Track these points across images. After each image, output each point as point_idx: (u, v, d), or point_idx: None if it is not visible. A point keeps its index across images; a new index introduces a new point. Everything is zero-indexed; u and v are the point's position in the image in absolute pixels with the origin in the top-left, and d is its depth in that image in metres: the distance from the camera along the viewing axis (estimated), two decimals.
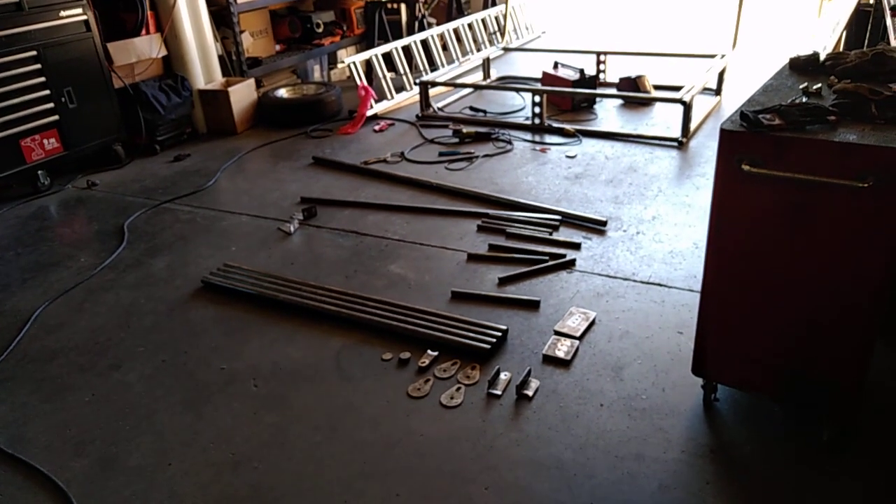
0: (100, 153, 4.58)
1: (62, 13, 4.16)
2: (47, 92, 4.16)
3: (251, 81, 5.35)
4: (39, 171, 4.23)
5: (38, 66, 4.09)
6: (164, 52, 4.91)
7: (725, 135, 1.84)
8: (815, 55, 2.28)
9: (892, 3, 3.55)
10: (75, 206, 4.09)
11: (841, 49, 4.30)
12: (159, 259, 3.37)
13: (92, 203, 4.11)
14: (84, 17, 4.29)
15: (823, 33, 4.70)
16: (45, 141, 4.19)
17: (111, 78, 4.53)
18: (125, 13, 4.72)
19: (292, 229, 3.57)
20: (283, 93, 5.48)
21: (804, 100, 1.95)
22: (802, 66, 2.29)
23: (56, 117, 4.23)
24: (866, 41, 4.00)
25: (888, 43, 3.32)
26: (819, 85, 2.06)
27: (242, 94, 5.21)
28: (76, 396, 2.44)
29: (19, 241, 3.65)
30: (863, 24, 4.11)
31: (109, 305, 3.00)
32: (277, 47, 6.11)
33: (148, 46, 4.79)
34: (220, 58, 5.34)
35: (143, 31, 4.76)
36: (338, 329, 2.72)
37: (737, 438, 2.09)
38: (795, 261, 1.85)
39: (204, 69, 5.16)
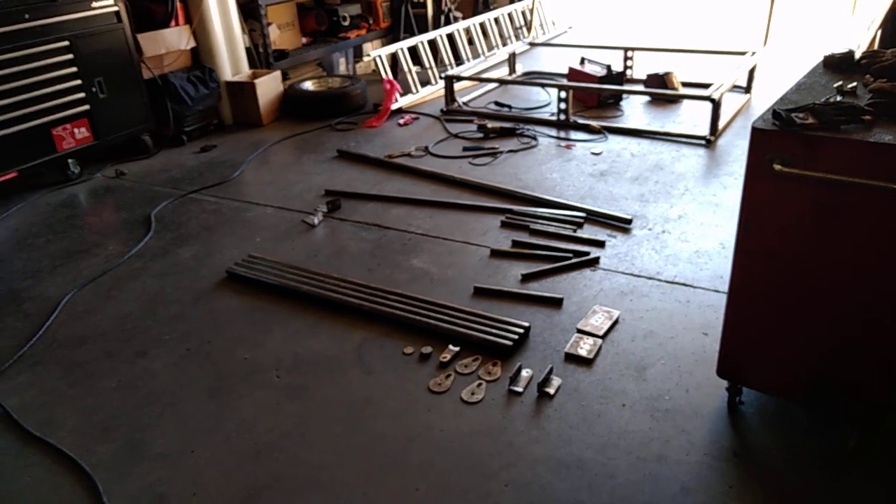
0: (128, 143, 4.64)
1: (94, 4, 4.22)
2: (78, 82, 4.22)
3: (277, 74, 5.39)
4: (70, 160, 4.30)
5: (70, 56, 4.15)
6: (192, 44, 4.96)
7: (757, 133, 1.81)
8: (851, 53, 2.23)
9: None
10: (104, 195, 4.15)
11: (876, 47, 4.20)
12: (185, 249, 3.41)
13: (120, 192, 4.17)
14: (115, 9, 4.34)
15: (858, 31, 4.60)
16: (76, 130, 4.26)
17: (141, 69, 4.58)
18: (155, 5, 4.77)
19: (316, 221, 3.59)
20: (308, 85, 5.50)
21: (839, 99, 1.91)
22: (837, 65, 2.24)
23: (87, 107, 4.29)
24: None
25: None
26: (854, 84, 2.02)
27: (269, 87, 5.24)
28: (103, 382, 2.48)
29: (50, 229, 3.72)
30: None
31: (136, 293, 3.05)
32: (304, 40, 6.14)
33: (177, 38, 4.84)
34: (248, 50, 5.38)
35: (173, 23, 4.81)
36: (360, 322, 2.73)
37: (761, 442, 2.06)
38: (826, 263, 1.81)
39: (231, 61, 5.20)
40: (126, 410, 2.34)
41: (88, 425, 2.28)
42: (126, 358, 2.61)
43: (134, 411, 2.33)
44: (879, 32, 4.21)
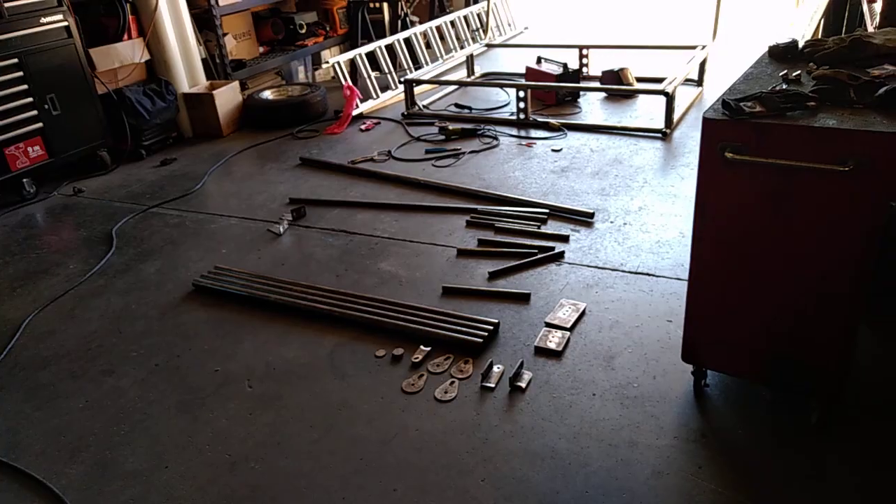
0: (85, 160, 4.56)
1: (43, 20, 4.14)
2: (30, 99, 4.14)
3: (236, 84, 5.34)
4: (25, 179, 4.20)
5: (21, 73, 4.07)
6: (146, 57, 4.89)
7: (708, 123, 1.86)
8: (794, 43, 2.31)
9: None
10: (62, 214, 4.07)
11: (819, 36, 4.34)
12: (149, 264, 3.37)
13: (79, 210, 4.09)
14: (65, 24, 4.26)
15: (802, 21, 4.75)
16: (30, 148, 4.17)
17: (94, 84, 4.51)
18: (106, 18, 4.70)
19: (282, 230, 3.58)
20: (268, 94, 5.47)
21: (784, 87, 1.98)
22: (781, 54, 2.32)
23: (40, 125, 4.20)
24: (844, 28, 4.05)
25: (865, 29, 3.37)
26: (798, 72, 2.09)
27: (227, 97, 5.20)
28: (70, 403, 2.44)
29: (7, 250, 3.63)
30: (840, 11, 4.16)
31: (100, 311, 2.99)
32: (261, 49, 6.10)
33: (130, 51, 4.77)
34: (204, 61, 5.33)
35: (126, 37, 4.74)
36: (330, 328, 2.73)
37: (727, 423, 2.12)
38: (779, 245, 1.88)
39: (188, 73, 5.14)
40: (95, 430, 2.30)
41: (56, 447, 2.24)
42: (92, 377, 2.57)
43: (103, 430, 2.30)
44: (822, 22, 4.36)
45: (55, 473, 2.13)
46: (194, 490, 2.03)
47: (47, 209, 4.15)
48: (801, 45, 2.30)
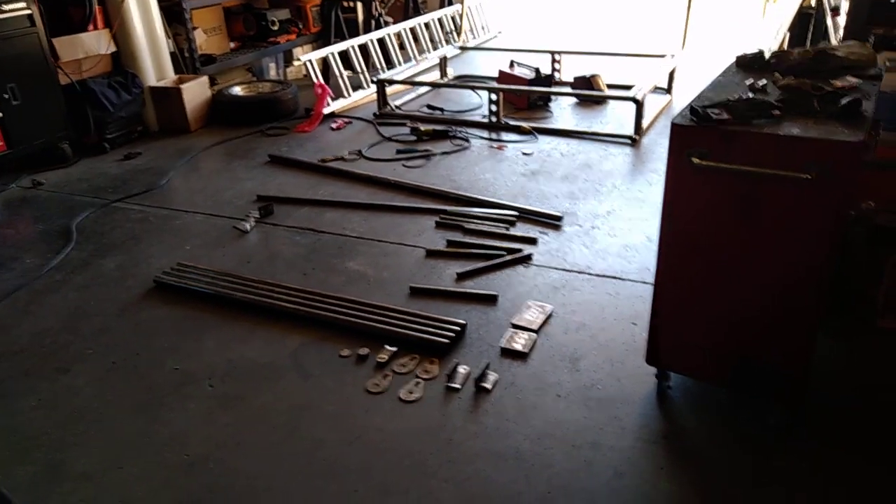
0: (46, 152, 4.43)
1: (5, 7, 4.02)
2: None
3: (205, 79, 5.25)
4: None
5: None
6: (113, 49, 4.78)
7: (676, 129, 1.88)
8: (761, 53, 2.35)
9: (833, 4, 3.69)
10: (19, 206, 3.95)
11: (785, 48, 4.43)
12: (109, 259, 3.28)
13: (37, 203, 3.97)
14: (28, 12, 4.14)
15: (768, 33, 4.84)
16: None
17: (57, 74, 4.39)
18: (72, 8, 4.58)
19: (248, 227, 3.52)
20: (238, 90, 5.39)
21: (751, 95, 2.01)
22: (749, 64, 2.36)
23: None
24: (808, 40, 4.15)
25: (829, 42, 3.45)
26: (764, 81, 2.13)
27: (196, 92, 5.11)
28: (21, 402, 2.36)
29: None
30: (805, 24, 4.26)
31: (56, 308, 2.90)
32: (232, 45, 6.01)
33: (96, 42, 4.65)
34: (173, 55, 5.22)
35: (91, 27, 4.63)
36: (295, 327, 2.69)
37: (689, 425, 2.14)
38: (742, 250, 1.90)
39: (155, 66, 5.04)
40: (46, 430, 2.22)
41: (5, 447, 2.16)
42: (46, 375, 2.49)
43: (55, 431, 2.22)
44: (787, 35, 4.46)
45: (3, 474, 2.05)
46: (148, 492, 1.97)
47: (4, 202, 4.02)
48: (767, 55, 2.34)
